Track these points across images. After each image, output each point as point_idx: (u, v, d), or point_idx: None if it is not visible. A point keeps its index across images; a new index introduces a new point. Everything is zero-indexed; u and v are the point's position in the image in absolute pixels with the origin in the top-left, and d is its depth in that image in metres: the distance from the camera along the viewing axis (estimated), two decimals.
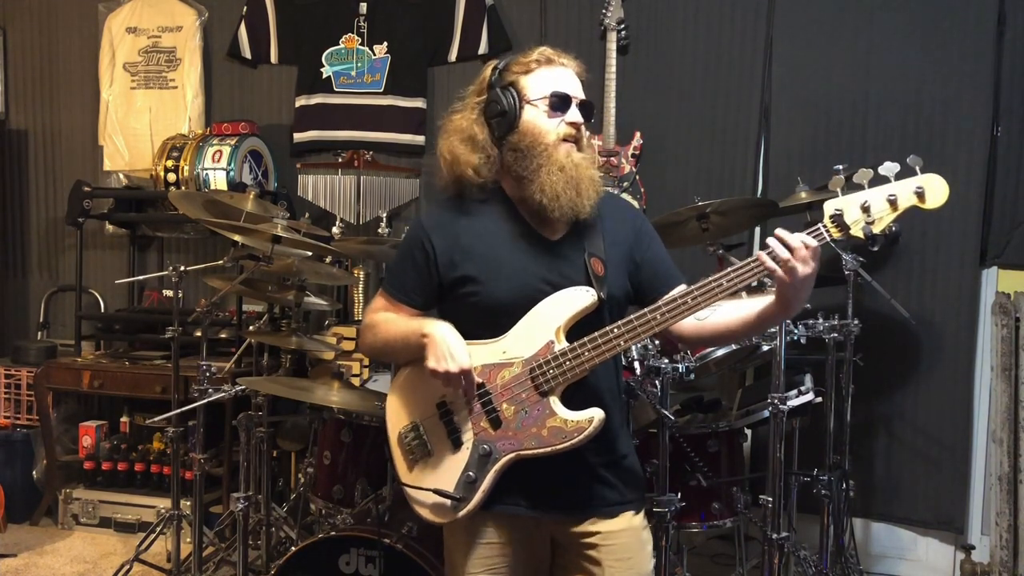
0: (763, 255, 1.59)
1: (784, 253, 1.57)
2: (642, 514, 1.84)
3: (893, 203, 1.56)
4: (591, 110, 1.78)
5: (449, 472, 1.74)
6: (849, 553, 3.24)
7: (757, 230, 3.63)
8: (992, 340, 3.38)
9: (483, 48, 4.04)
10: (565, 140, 1.73)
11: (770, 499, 2.55)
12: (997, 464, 3.31)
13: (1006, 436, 3.29)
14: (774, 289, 1.64)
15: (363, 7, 4.19)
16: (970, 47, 3.42)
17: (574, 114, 1.75)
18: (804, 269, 1.56)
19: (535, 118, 1.73)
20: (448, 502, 1.72)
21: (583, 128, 1.76)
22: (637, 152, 3.78)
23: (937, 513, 3.51)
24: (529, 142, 1.72)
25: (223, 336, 3.98)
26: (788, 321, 2.67)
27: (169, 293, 4.30)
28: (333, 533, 2.46)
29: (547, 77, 1.76)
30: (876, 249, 1.62)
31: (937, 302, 3.48)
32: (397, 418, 1.83)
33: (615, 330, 1.66)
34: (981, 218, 3.43)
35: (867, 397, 3.41)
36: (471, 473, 1.71)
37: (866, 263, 3.08)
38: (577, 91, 1.77)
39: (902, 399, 3.54)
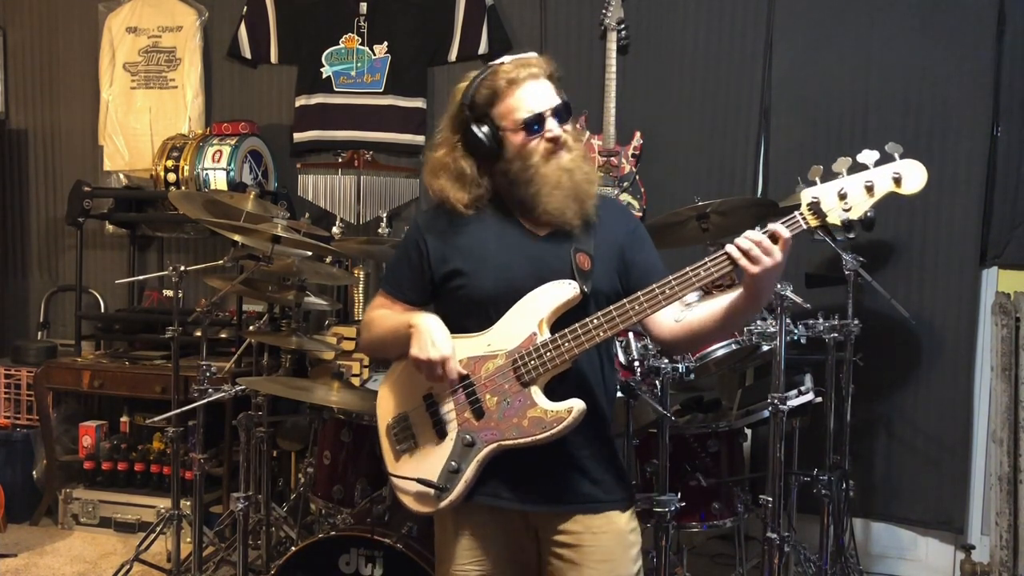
0: (729, 248, 1.63)
1: (747, 244, 1.61)
2: (629, 514, 1.83)
3: (870, 189, 1.60)
4: (568, 110, 1.78)
5: (434, 462, 1.77)
6: (849, 553, 3.24)
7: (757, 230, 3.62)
8: (992, 340, 3.38)
9: (483, 48, 4.04)
10: (550, 153, 1.75)
11: (770, 499, 2.54)
12: (997, 464, 3.31)
13: (1006, 436, 3.29)
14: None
15: (363, 7, 4.19)
16: (970, 47, 3.42)
17: (551, 127, 1.75)
18: (768, 260, 1.60)
19: (516, 143, 1.75)
20: (432, 491, 1.74)
21: (564, 135, 1.76)
22: (637, 152, 3.78)
23: (937, 513, 3.51)
24: (518, 168, 1.75)
25: (223, 336, 3.98)
26: (788, 321, 2.67)
27: (169, 293, 4.30)
28: (333, 533, 2.47)
29: (516, 101, 1.75)
30: (852, 236, 1.64)
31: (937, 302, 3.48)
32: (386, 409, 1.87)
33: (594, 321, 1.69)
34: (981, 218, 3.43)
35: (867, 397, 3.41)
36: (454, 463, 1.74)
37: (866, 263, 3.09)
38: (547, 101, 1.76)
39: (902, 399, 3.54)
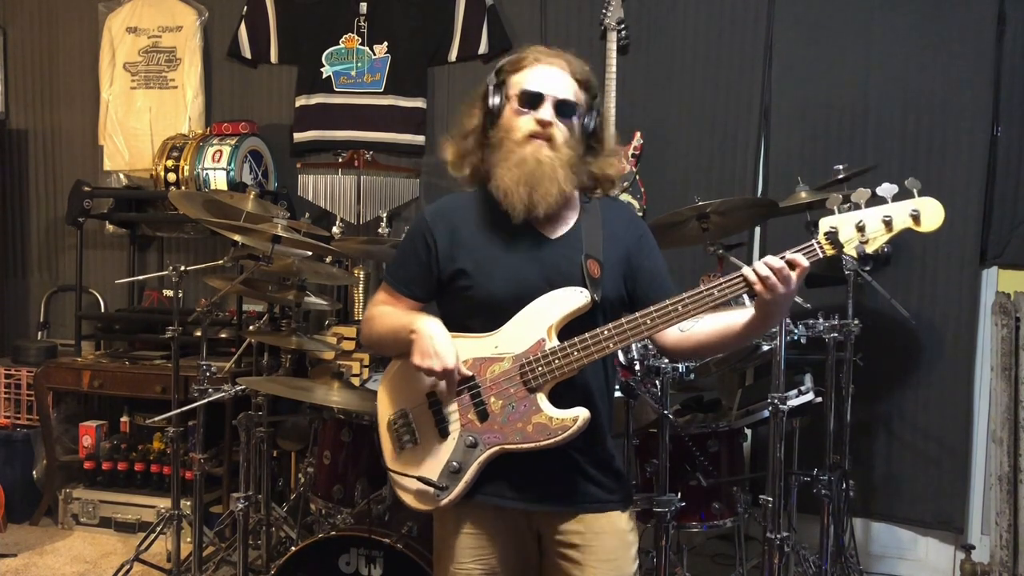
0: (747, 271, 1.62)
1: (765, 272, 1.60)
2: (628, 514, 1.84)
3: (888, 224, 1.59)
4: (571, 109, 1.77)
5: (434, 461, 1.76)
6: (849, 553, 3.24)
7: (757, 230, 3.63)
8: (992, 340, 3.38)
9: (483, 48, 4.04)
10: (534, 136, 1.73)
11: (770, 499, 2.55)
12: (997, 464, 3.31)
13: (1006, 436, 3.29)
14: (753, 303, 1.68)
15: (363, 7, 4.20)
16: (970, 47, 3.42)
17: (544, 112, 1.74)
18: (782, 288, 1.60)
19: (510, 115, 1.77)
20: (431, 490, 1.74)
21: (555, 127, 1.74)
22: (637, 152, 3.78)
23: (937, 513, 3.51)
24: (500, 137, 1.76)
25: (223, 336, 3.98)
26: (788, 321, 2.67)
27: (169, 293, 4.30)
28: (333, 533, 2.47)
29: (528, 76, 1.77)
30: (868, 269, 1.64)
31: (937, 302, 3.48)
32: (388, 405, 1.86)
33: (605, 332, 1.68)
34: (981, 218, 3.43)
35: (867, 397, 3.41)
36: (455, 463, 1.73)
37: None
38: (556, 90, 1.76)
39: (902, 399, 3.54)
